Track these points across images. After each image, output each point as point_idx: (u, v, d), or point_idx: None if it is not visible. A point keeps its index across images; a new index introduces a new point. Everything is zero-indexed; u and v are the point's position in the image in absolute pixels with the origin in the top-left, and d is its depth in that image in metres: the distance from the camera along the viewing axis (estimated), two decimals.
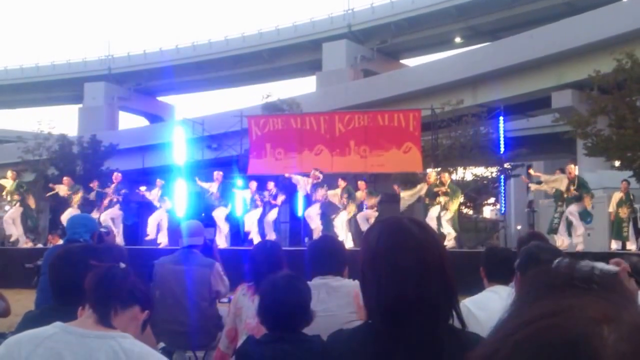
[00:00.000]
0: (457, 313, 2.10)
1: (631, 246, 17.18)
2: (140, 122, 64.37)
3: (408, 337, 1.96)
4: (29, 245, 19.26)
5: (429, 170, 20.75)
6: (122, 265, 2.87)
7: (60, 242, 11.85)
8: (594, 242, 19.71)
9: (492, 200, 31.41)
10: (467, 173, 29.32)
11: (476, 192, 28.71)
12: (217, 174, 19.36)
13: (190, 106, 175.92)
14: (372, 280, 2.06)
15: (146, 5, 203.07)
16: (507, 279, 4.03)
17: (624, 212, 17.72)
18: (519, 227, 36.47)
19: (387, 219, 2.29)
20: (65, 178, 20.66)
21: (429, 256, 2.03)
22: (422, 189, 18.61)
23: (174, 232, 17.58)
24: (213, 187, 19.16)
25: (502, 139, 23.36)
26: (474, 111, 28.11)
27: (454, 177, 25.62)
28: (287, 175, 19.66)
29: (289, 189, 19.98)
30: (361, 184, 19.44)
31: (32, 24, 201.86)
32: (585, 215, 16.64)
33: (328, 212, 18.58)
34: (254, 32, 55.37)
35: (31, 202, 19.90)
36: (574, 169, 17.46)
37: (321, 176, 18.68)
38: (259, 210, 18.95)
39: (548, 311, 0.78)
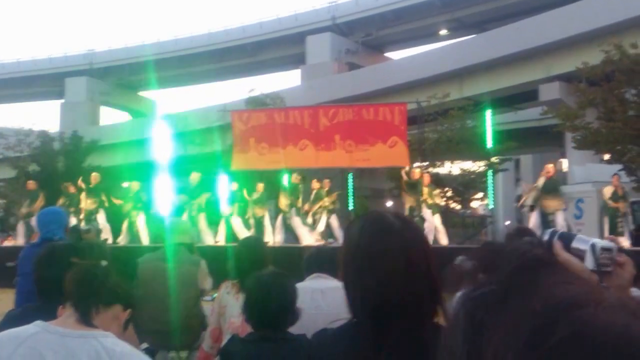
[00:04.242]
0: (444, 310, 1.97)
1: (624, 242, 16.72)
2: (123, 117, 64.04)
3: (392, 335, 1.91)
4: (11, 243, 18.87)
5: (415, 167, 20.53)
6: (104, 263, 2.88)
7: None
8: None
9: (480, 195, 31.19)
10: (455, 167, 29.12)
11: (464, 187, 28.55)
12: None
13: (173, 101, 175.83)
14: (354, 278, 2.02)
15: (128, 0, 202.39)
16: None
17: (623, 207, 17.38)
18: (507, 223, 36.31)
19: (369, 213, 2.27)
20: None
21: (413, 252, 1.98)
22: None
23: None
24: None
25: (489, 132, 23.02)
26: (461, 104, 27.85)
27: (441, 170, 25.42)
28: None
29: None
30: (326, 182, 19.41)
31: (13, 19, 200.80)
32: None
33: None
34: (237, 26, 55.29)
35: None
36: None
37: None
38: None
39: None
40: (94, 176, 19.67)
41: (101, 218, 19.09)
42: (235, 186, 19.28)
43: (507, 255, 0.83)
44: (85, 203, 19.07)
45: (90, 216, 18.87)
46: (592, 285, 0.75)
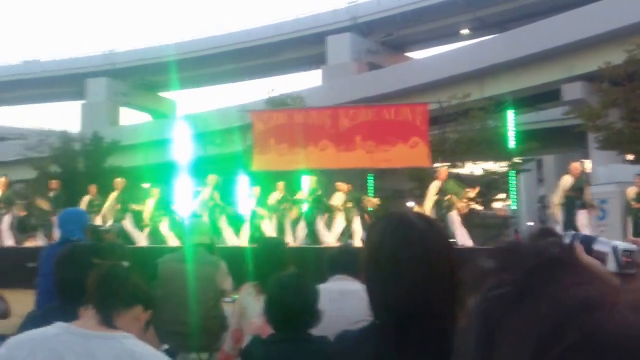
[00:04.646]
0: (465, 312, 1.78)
1: None
2: (143, 118, 64.21)
3: (414, 338, 1.92)
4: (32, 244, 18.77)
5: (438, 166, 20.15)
6: (125, 264, 2.96)
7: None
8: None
9: (502, 196, 30.97)
10: (477, 168, 28.93)
11: (486, 188, 28.35)
12: None
13: (193, 102, 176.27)
14: (376, 279, 2.02)
15: (148, 0, 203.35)
16: None
17: None
18: (529, 224, 35.91)
19: (392, 214, 2.24)
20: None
21: (436, 254, 1.97)
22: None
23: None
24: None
25: (511, 132, 22.88)
26: (482, 104, 27.68)
27: (462, 171, 25.21)
28: None
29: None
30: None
31: (34, 20, 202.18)
32: None
33: None
34: (257, 26, 55.30)
35: (42, 204, 19.13)
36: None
37: None
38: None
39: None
40: (119, 182, 19.26)
41: (129, 225, 18.72)
42: (258, 190, 19.13)
43: (523, 255, 0.81)
44: (112, 208, 18.73)
45: (118, 222, 18.55)
46: (610, 286, 0.72)
